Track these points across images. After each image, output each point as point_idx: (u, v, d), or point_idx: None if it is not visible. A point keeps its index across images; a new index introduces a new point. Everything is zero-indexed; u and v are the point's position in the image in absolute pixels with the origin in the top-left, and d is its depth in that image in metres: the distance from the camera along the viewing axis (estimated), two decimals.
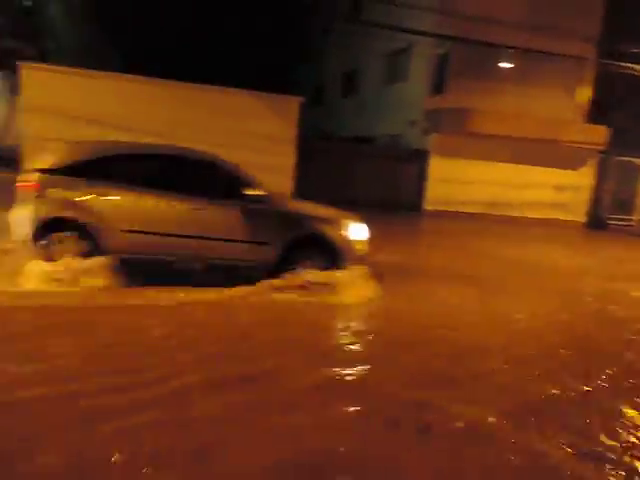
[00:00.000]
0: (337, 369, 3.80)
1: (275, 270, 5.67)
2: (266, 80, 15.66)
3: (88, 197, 5.25)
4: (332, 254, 5.79)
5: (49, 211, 5.17)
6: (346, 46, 21.32)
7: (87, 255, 5.23)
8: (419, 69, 16.55)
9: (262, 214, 5.63)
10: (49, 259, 5.13)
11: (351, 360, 4.07)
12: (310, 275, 5.63)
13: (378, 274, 6.25)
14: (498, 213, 16.14)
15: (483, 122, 14.80)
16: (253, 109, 13.13)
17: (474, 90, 15.21)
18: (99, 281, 5.13)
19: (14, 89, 12.85)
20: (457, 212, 15.69)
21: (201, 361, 3.75)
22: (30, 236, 5.14)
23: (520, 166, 16.15)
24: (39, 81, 12.23)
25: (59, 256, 5.16)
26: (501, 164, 16.03)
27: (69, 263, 5.13)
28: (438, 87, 15.79)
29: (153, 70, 13.00)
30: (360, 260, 5.99)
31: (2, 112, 14.06)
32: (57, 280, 5.03)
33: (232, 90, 13.11)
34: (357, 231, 6.01)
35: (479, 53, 14.01)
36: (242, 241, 5.59)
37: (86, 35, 14.91)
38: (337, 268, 5.77)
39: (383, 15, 13.78)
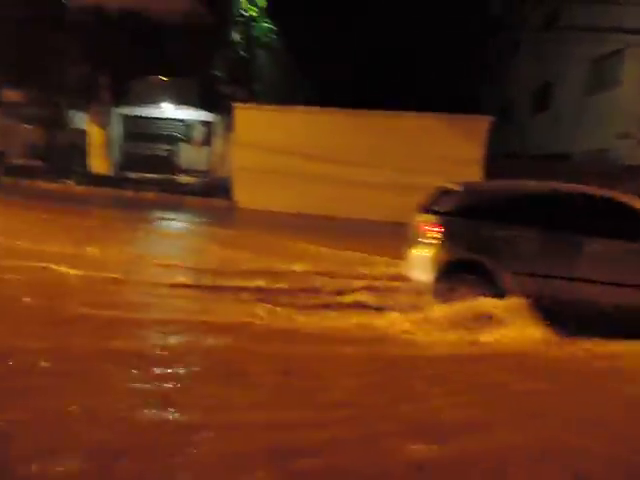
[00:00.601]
0: None
1: None
2: (451, 103, 15.28)
3: (492, 238, 5.07)
4: None
5: (453, 253, 5.10)
6: (537, 59, 19.82)
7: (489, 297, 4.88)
8: (634, 73, 14.43)
9: None
10: (449, 301, 4.92)
11: None
12: None
13: None
14: None
15: None
16: (441, 132, 12.96)
17: None
18: (527, 326, 4.57)
19: (229, 127, 14.82)
20: None
21: None
22: (432, 278, 5.07)
23: None
24: (249, 119, 13.94)
25: (460, 299, 4.92)
26: None
27: (478, 305, 4.78)
28: None
29: (344, 100, 13.75)
30: None
31: (219, 148, 16.31)
32: (468, 323, 4.66)
33: (422, 115, 13.16)
34: None
35: None
36: None
37: (284, 74, 16.48)
38: None
39: (588, 17, 12.41)
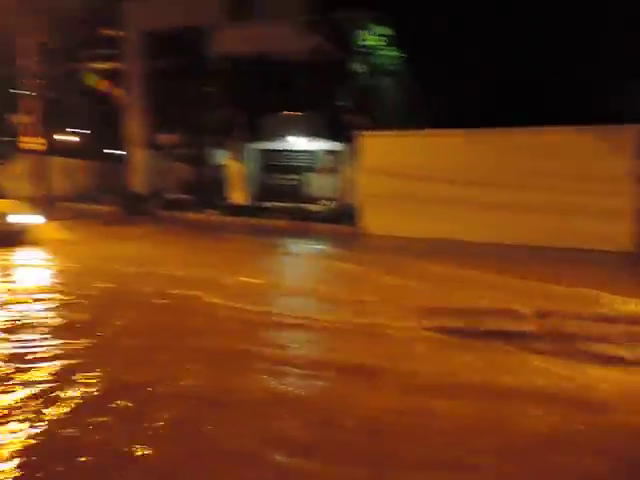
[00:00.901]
0: None
1: None
2: (588, 114, 14.02)
3: None
4: None
5: None
6: None
7: None
8: None
9: None
10: None
11: None
12: None
13: None
14: None
15: None
16: (585, 146, 11.97)
17: None
18: None
19: (355, 155, 15.32)
20: None
21: None
22: None
23: None
24: (374, 146, 14.28)
25: None
26: None
27: None
28: None
29: (473, 119, 13.38)
30: None
31: (345, 176, 16.91)
32: None
33: (562, 129, 12.22)
34: None
35: None
36: None
37: (408, 98, 16.60)
38: None
39: None
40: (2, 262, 8.28)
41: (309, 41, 15.18)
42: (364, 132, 14.58)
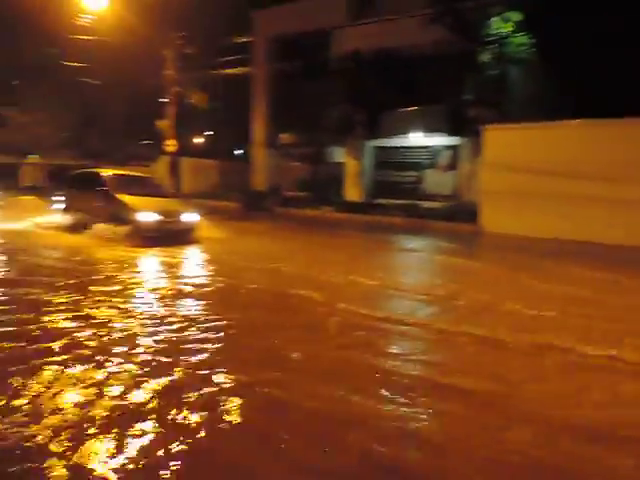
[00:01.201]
0: None
1: None
2: None
3: None
4: None
5: None
6: None
7: None
8: None
9: None
10: None
11: None
12: None
13: None
14: None
15: None
16: None
17: None
18: None
19: (476, 150, 14.47)
20: None
21: None
22: None
23: None
24: (499, 140, 13.35)
25: None
26: None
27: None
28: None
29: (615, 110, 11.86)
30: None
31: (465, 172, 16.08)
32: None
33: None
34: None
35: None
36: None
37: (540, 89, 15.30)
38: None
39: None
40: (185, 259, 8.04)
41: (433, 33, 14.69)
42: (488, 125, 13.71)
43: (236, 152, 25.74)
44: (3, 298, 5.05)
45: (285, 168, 21.36)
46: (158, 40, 18.37)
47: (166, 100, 18.88)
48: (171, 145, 18.72)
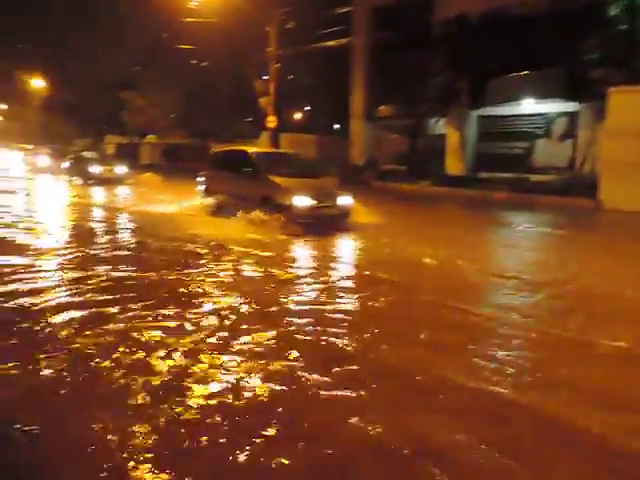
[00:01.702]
0: None
1: None
2: None
3: None
4: None
5: None
6: None
7: None
8: None
9: None
10: None
11: None
12: None
13: None
14: None
15: None
16: None
17: None
18: None
19: (598, 116, 12.96)
20: None
21: None
22: None
23: None
24: (626, 104, 11.81)
25: None
26: None
27: None
28: None
29: None
30: None
31: (583, 141, 14.53)
32: None
33: None
34: None
35: None
36: None
37: None
38: None
39: None
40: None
41: None
42: (614, 87, 12.15)
43: (335, 127, 25.70)
44: None
45: (383, 141, 20.90)
46: (262, 18, 18.67)
47: (267, 77, 19.24)
48: (272, 121, 19.13)
